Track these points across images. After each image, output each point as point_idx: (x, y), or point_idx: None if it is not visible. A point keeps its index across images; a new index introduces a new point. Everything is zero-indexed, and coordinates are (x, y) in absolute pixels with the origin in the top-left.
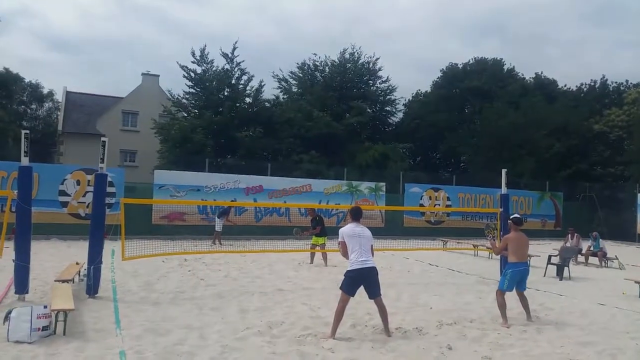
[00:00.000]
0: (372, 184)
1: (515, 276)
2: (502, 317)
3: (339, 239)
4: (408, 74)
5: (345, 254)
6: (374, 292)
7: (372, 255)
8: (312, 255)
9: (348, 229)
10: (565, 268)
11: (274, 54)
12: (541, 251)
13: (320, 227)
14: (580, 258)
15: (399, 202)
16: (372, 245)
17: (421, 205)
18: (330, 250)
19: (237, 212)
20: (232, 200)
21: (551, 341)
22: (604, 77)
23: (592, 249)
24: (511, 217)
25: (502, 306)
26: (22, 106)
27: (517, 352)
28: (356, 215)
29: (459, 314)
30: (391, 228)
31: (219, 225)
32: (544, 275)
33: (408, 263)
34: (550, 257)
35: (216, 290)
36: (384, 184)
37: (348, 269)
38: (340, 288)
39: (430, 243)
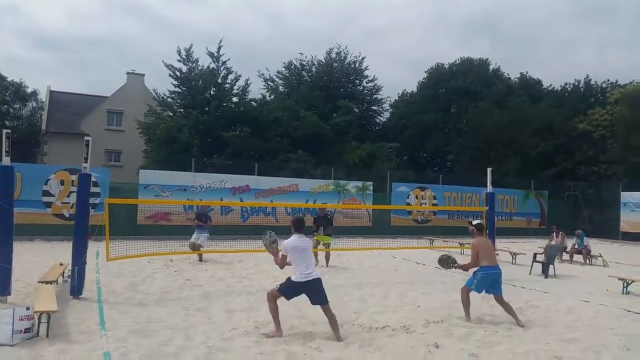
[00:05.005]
0: (359, 183)
1: (485, 279)
2: (465, 314)
3: (282, 252)
4: (400, 73)
5: (282, 265)
6: (318, 300)
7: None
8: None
9: (291, 243)
10: (551, 266)
11: (264, 53)
12: (526, 249)
13: (330, 226)
14: (565, 256)
15: (386, 201)
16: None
17: (408, 204)
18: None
19: (223, 212)
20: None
21: (537, 338)
22: (587, 76)
23: (576, 246)
24: (473, 223)
25: (465, 303)
26: (5, 105)
27: (503, 350)
28: (298, 226)
29: (446, 312)
30: (378, 227)
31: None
32: (530, 273)
33: (395, 262)
34: (535, 255)
35: (202, 290)
36: (370, 183)
37: (293, 279)
38: (278, 290)
39: (417, 242)
